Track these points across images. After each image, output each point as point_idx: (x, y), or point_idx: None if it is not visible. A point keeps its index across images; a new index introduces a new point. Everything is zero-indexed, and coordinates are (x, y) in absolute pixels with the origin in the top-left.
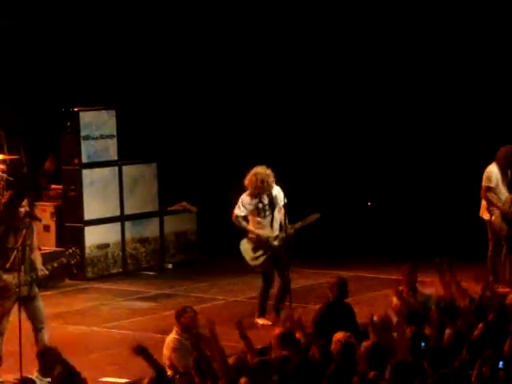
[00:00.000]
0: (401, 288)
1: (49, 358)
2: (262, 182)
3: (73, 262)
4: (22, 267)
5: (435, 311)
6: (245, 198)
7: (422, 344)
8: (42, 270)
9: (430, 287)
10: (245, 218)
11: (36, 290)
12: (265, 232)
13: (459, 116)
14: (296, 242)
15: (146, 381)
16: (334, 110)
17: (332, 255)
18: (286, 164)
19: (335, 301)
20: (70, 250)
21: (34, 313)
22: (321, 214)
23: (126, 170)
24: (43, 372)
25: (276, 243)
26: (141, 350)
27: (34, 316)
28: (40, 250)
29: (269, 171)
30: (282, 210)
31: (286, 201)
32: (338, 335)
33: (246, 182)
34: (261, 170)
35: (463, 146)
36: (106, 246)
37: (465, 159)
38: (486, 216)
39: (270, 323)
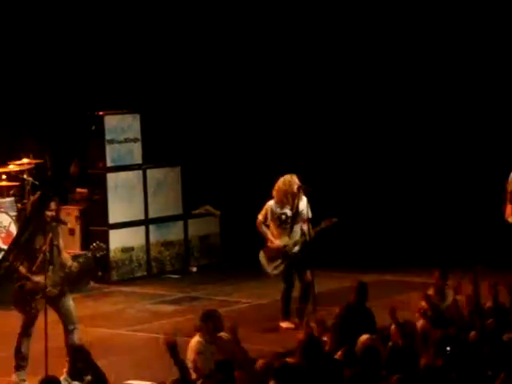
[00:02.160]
0: (429, 292)
1: (80, 359)
2: (288, 191)
3: (98, 255)
4: (51, 268)
5: (463, 314)
6: (270, 205)
7: (448, 348)
8: (72, 264)
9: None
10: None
11: (66, 289)
12: (282, 241)
13: (484, 120)
14: (316, 247)
15: (169, 382)
16: (353, 117)
17: (356, 258)
18: (309, 167)
19: (355, 304)
20: (95, 244)
21: (65, 313)
22: (343, 218)
23: (151, 173)
24: (72, 373)
25: (295, 249)
26: (171, 346)
27: (64, 316)
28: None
29: (295, 180)
30: (306, 224)
31: (310, 215)
32: (363, 338)
33: (274, 188)
34: (289, 178)
35: (488, 151)
36: (131, 249)
37: (489, 164)
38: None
39: (293, 326)
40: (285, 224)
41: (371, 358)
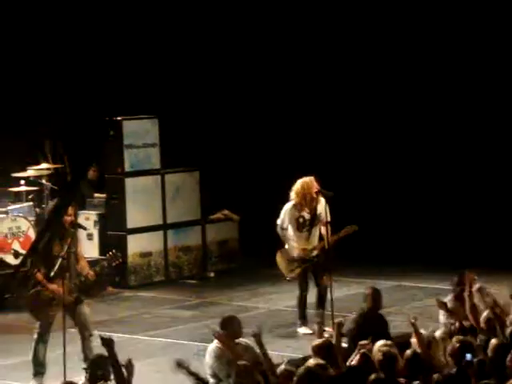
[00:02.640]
0: (448, 298)
1: (100, 366)
2: (308, 193)
3: (114, 264)
4: (67, 275)
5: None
6: (288, 208)
7: (468, 355)
8: (89, 273)
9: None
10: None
11: (81, 297)
12: (300, 245)
13: (507, 121)
14: (335, 252)
15: None
16: (370, 120)
17: (374, 264)
18: (328, 170)
19: (369, 311)
20: (111, 253)
21: (81, 320)
22: (363, 223)
23: (169, 178)
24: (92, 381)
25: (313, 254)
26: (180, 365)
27: (80, 323)
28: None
29: (315, 183)
30: (325, 227)
31: (329, 218)
32: (380, 344)
33: (293, 191)
34: (308, 180)
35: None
36: (149, 254)
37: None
38: None
39: (310, 332)
40: (303, 227)
41: (389, 364)
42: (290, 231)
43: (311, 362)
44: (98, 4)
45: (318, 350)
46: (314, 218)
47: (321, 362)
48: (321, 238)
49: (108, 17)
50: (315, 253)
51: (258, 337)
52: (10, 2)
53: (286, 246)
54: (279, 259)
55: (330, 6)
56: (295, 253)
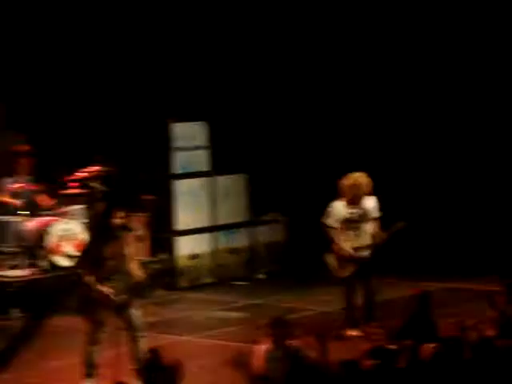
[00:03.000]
0: (498, 300)
1: (154, 367)
2: (358, 189)
3: (164, 268)
4: (118, 277)
5: None
6: (336, 205)
7: None
8: (138, 275)
9: None
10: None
11: (131, 298)
12: (351, 244)
13: None
14: (385, 253)
15: None
16: (421, 117)
17: (423, 266)
18: (377, 172)
19: (418, 314)
20: (163, 257)
21: (131, 321)
22: (408, 223)
23: (218, 180)
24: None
25: (365, 254)
26: (237, 363)
27: (130, 324)
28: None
29: (367, 180)
30: (376, 223)
31: (380, 214)
32: (428, 347)
33: (343, 186)
34: (360, 176)
35: None
36: (198, 256)
37: None
38: None
39: (359, 334)
40: (353, 224)
41: (439, 365)
42: (340, 231)
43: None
44: (150, 7)
45: (371, 353)
46: (364, 215)
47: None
48: (373, 236)
49: (158, 21)
50: (365, 252)
51: (321, 338)
52: (53, 10)
53: (334, 246)
54: (329, 259)
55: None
56: (346, 252)
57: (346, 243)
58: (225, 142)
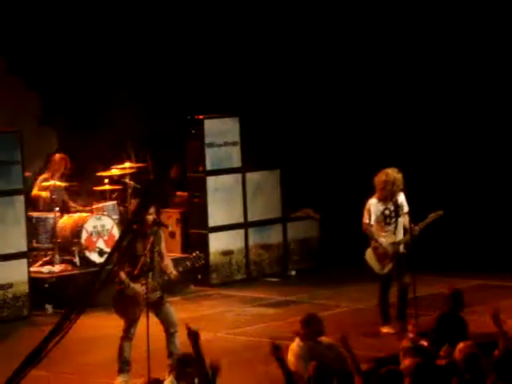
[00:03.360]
0: None
1: (189, 365)
2: (393, 184)
3: (197, 265)
4: (151, 273)
5: None
6: (372, 203)
7: None
8: (171, 273)
9: None
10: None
11: (165, 295)
12: (389, 240)
13: None
14: (420, 247)
15: None
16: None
17: (458, 262)
18: (409, 166)
19: (449, 312)
20: (194, 254)
21: (166, 317)
22: (444, 212)
23: (250, 176)
24: (180, 378)
25: (401, 249)
26: (276, 350)
27: (165, 320)
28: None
29: (400, 175)
30: (407, 217)
31: (408, 209)
32: (461, 346)
33: (377, 182)
34: (392, 172)
35: None
36: (230, 252)
37: None
38: None
39: (393, 331)
40: (389, 219)
41: (474, 364)
42: (377, 226)
43: (408, 360)
44: (181, 6)
45: (406, 352)
46: (398, 209)
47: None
48: (406, 230)
49: (188, 17)
50: (402, 248)
51: (344, 339)
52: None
53: (373, 243)
54: (369, 257)
55: None
56: (386, 248)
57: (386, 239)
58: (256, 137)
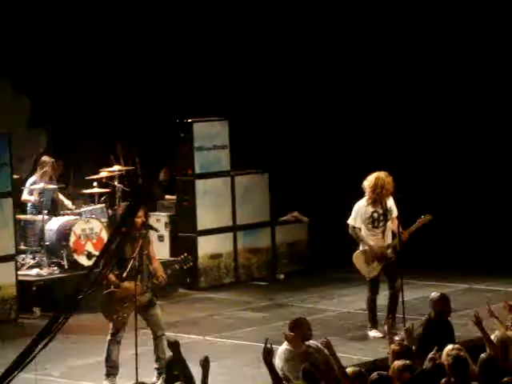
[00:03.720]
0: None
1: (177, 366)
2: (382, 187)
3: (185, 267)
4: (139, 276)
5: None
6: (361, 205)
7: None
8: (161, 276)
9: None
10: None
11: (154, 298)
12: (377, 242)
13: None
14: (408, 252)
15: None
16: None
17: (446, 266)
18: (398, 170)
19: (436, 317)
20: (182, 256)
21: (153, 320)
22: (434, 216)
23: (239, 180)
24: (168, 382)
25: (389, 252)
26: (268, 353)
27: (153, 324)
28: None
29: (390, 179)
30: (395, 221)
31: (396, 213)
32: (448, 349)
33: (366, 185)
34: (382, 175)
35: None
36: (219, 255)
37: None
38: None
39: (381, 335)
40: (378, 223)
41: (459, 368)
42: (365, 229)
43: (398, 363)
44: (170, 7)
45: (398, 355)
46: (387, 213)
47: (407, 362)
48: (394, 235)
49: (174, 19)
50: (390, 251)
51: (328, 344)
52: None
53: (361, 247)
54: (356, 260)
55: None
56: (373, 251)
57: (374, 242)
58: (245, 141)
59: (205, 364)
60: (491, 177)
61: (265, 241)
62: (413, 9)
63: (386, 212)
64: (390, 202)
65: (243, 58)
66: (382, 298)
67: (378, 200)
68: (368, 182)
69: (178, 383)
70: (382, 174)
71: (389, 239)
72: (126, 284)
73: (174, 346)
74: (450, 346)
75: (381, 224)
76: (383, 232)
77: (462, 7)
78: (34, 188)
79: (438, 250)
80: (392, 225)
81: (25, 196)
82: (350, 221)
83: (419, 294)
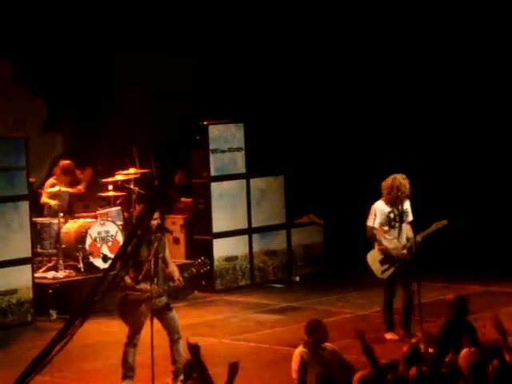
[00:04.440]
0: None
1: (195, 369)
2: (398, 189)
3: (202, 271)
4: (155, 279)
5: None
6: (378, 205)
7: None
8: (178, 279)
9: None
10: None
11: (170, 301)
12: (393, 242)
13: None
14: (422, 254)
15: None
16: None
17: (462, 268)
18: (415, 173)
19: (455, 318)
20: (200, 260)
21: (170, 323)
22: (450, 222)
23: (254, 182)
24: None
25: (403, 253)
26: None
27: (169, 327)
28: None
29: (406, 181)
30: (409, 227)
31: (412, 218)
32: (465, 352)
33: (384, 186)
34: (400, 177)
35: None
36: (234, 258)
37: None
38: None
39: (397, 338)
40: (394, 222)
41: (478, 371)
42: (382, 229)
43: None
44: (185, 9)
45: (406, 357)
46: (402, 215)
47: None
48: (408, 238)
49: (191, 22)
50: (405, 251)
51: (360, 333)
52: None
53: (376, 247)
54: (371, 261)
55: None
56: (389, 251)
57: (390, 242)
58: (261, 143)
59: (232, 370)
60: (508, 179)
61: (280, 243)
62: (425, 11)
63: (402, 214)
64: (407, 205)
65: (259, 61)
66: (399, 299)
67: (394, 201)
68: (385, 183)
69: None
70: (398, 176)
71: (403, 241)
72: (142, 287)
73: (195, 349)
74: (466, 349)
75: (397, 225)
76: (398, 233)
77: (463, 7)
78: (51, 191)
79: (453, 251)
80: (406, 229)
81: (44, 199)
82: (369, 222)
83: (435, 297)
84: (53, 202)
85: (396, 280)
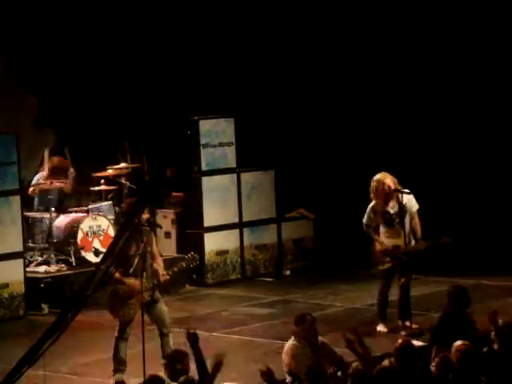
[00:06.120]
0: None
1: (179, 361)
2: (383, 184)
3: (192, 265)
4: (144, 274)
5: None
6: (370, 205)
7: None
8: (163, 275)
9: None
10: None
11: (158, 295)
12: (392, 241)
13: None
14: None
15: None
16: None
17: (454, 262)
18: (405, 167)
19: (454, 310)
20: (189, 255)
21: (159, 317)
22: (453, 240)
23: (245, 177)
24: (172, 377)
25: (402, 251)
26: (193, 339)
27: (158, 321)
28: (161, 256)
29: (388, 177)
30: (416, 217)
31: (418, 206)
32: (457, 344)
33: (370, 189)
34: (380, 175)
35: None
36: (225, 252)
37: None
38: None
39: (386, 330)
40: (391, 221)
41: (468, 363)
42: (381, 228)
43: (386, 362)
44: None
45: (399, 351)
46: (401, 211)
47: (398, 362)
48: (414, 235)
49: (181, 19)
50: (403, 249)
51: (355, 331)
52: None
53: (376, 242)
54: (374, 249)
55: None
56: (385, 247)
57: (388, 240)
58: (251, 138)
59: (217, 364)
60: (502, 175)
61: (271, 237)
62: (425, 11)
63: (400, 210)
64: (406, 198)
65: (249, 56)
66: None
67: (385, 199)
68: (371, 185)
69: (183, 377)
70: (378, 175)
71: (402, 238)
72: (131, 281)
73: (193, 338)
74: (458, 342)
75: (396, 222)
76: (400, 230)
77: (464, 7)
78: (40, 183)
79: (446, 246)
80: (413, 222)
81: (32, 191)
82: (363, 219)
83: (425, 290)
84: (38, 192)
85: (394, 274)
